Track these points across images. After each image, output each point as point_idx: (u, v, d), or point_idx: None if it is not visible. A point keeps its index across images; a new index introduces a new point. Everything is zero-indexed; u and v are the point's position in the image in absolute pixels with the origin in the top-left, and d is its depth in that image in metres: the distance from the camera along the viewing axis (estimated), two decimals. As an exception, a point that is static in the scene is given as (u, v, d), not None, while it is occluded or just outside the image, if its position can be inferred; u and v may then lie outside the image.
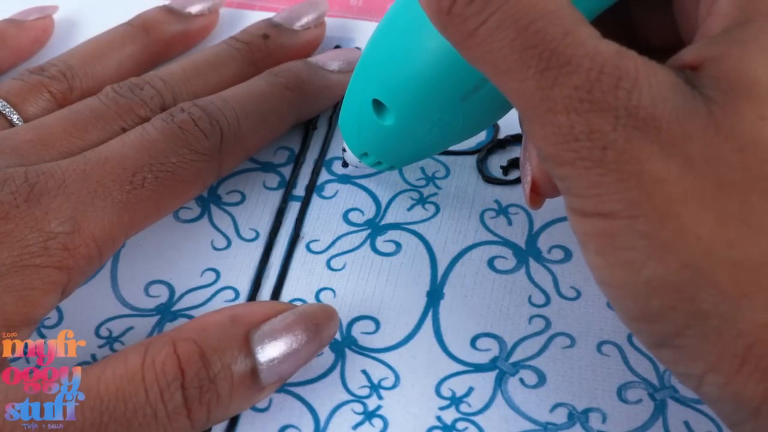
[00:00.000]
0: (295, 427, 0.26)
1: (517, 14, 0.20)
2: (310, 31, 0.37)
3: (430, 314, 0.29)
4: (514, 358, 0.28)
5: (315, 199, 0.32)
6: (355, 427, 0.26)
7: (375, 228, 0.31)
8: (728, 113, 0.20)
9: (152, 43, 0.36)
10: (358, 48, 0.37)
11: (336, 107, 0.35)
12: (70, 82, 0.33)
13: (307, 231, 0.31)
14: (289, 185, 0.33)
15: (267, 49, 0.36)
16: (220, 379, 0.24)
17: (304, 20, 0.37)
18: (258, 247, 0.31)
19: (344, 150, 0.30)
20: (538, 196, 0.26)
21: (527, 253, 0.30)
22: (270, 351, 0.25)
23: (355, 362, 0.28)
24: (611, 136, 0.20)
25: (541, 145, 0.21)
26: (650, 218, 0.20)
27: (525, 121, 0.21)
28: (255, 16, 0.39)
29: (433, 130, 0.27)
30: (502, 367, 0.28)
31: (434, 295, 0.29)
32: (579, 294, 0.29)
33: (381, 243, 0.31)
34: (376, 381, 0.27)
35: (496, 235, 0.31)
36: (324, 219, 0.32)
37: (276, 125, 0.33)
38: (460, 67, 0.24)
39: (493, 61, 0.21)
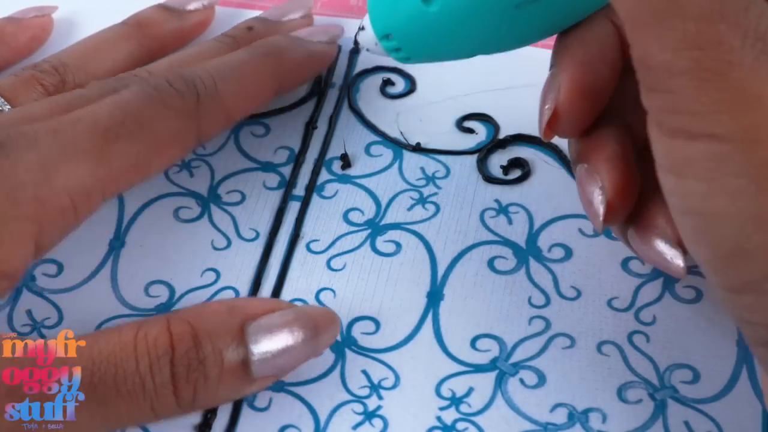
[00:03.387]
0: (295, 427, 0.26)
1: None
2: (297, 22, 0.37)
3: (430, 315, 0.29)
4: (514, 359, 0.28)
5: (315, 199, 0.32)
6: (355, 427, 0.26)
7: (375, 228, 0.31)
8: None
9: (147, 41, 0.36)
10: (341, 26, 0.37)
11: (336, 105, 0.35)
12: (63, 76, 0.33)
13: (307, 231, 0.31)
14: (289, 185, 0.33)
15: (251, 39, 0.35)
16: (209, 362, 0.25)
17: (290, 17, 0.37)
18: (258, 247, 0.31)
19: (362, 28, 0.28)
20: (551, 130, 0.26)
21: (527, 252, 0.30)
22: (264, 345, 0.25)
23: (355, 362, 0.28)
24: (739, 53, 0.19)
25: (655, 50, 0.20)
26: None
27: (637, 25, 0.20)
28: (254, 15, 0.39)
29: (477, 30, 0.25)
30: (502, 368, 0.28)
31: (434, 296, 0.29)
32: (579, 294, 0.29)
33: (381, 243, 0.31)
34: (376, 381, 0.27)
35: (496, 234, 0.31)
36: (324, 219, 0.32)
37: (256, 90, 0.32)
38: None
39: None
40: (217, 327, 0.25)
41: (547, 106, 0.26)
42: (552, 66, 0.26)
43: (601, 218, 0.25)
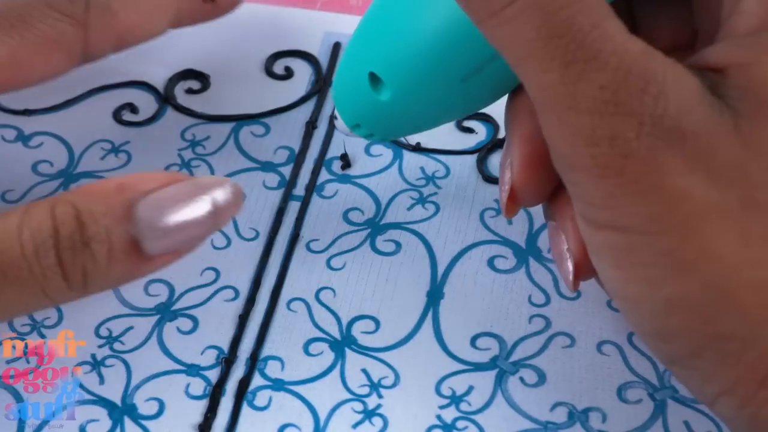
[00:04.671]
0: (295, 426, 0.26)
1: None
2: None
3: (430, 314, 0.29)
4: (514, 358, 0.28)
5: (315, 199, 0.32)
6: (355, 425, 0.26)
7: (375, 227, 0.31)
8: (756, 129, 0.19)
9: None
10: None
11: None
12: None
13: (307, 230, 0.31)
14: (289, 185, 0.33)
15: None
16: (95, 242, 0.23)
17: None
18: (258, 247, 0.31)
19: (335, 117, 0.28)
20: (514, 205, 0.25)
21: (527, 252, 0.30)
22: (155, 221, 0.23)
23: (355, 361, 0.28)
24: (633, 145, 0.19)
25: (556, 143, 0.20)
26: (671, 235, 0.19)
27: (542, 114, 0.20)
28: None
29: (430, 108, 0.26)
30: (502, 366, 0.28)
31: (434, 295, 0.29)
32: (579, 293, 0.29)
33: (381, 242, 0.31)
34: (376, 380, 0.27)
35: (496, 234, 0.31)
36: (324, 218, 0.32)
37: (153, 12, 0.31)
38: (463, 46, 0.23)
39: (516, 46, 0.19)
40: (102, 206, 0.23)
41: (504, 188, 0.24)
42: (506, 134, 0.25)
43: (570, 278, 0.24)
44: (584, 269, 0.23)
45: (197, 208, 0.23)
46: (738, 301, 0.19)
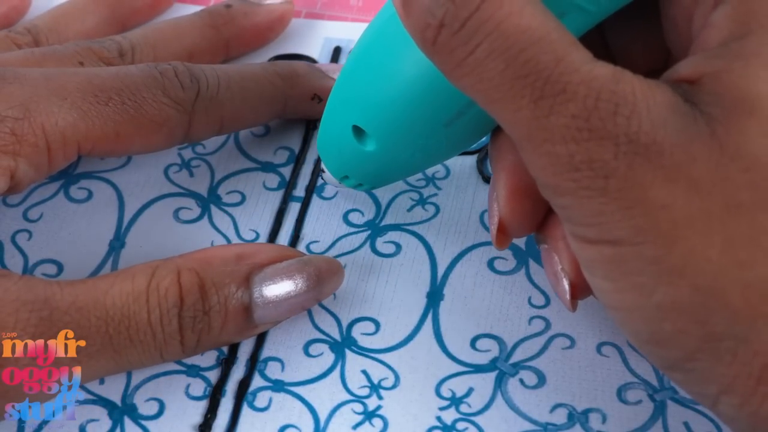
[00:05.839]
0: (295, 427, 0.26)
1: (505, 44, 0.19)
2: (275, 5, 0.37)
3: (429, 315, 0.29)
4: (514, 359, 0.28)
5: (315, 200, 0.32)
6: (355, 426, 0.26)
7: (375, 229, 0.31)
8: (732, 132, 0.19)
9: (119, 8, 0.37)
10: None
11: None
12: (36, 37, 0.34)
13: (307, 232, 0.31)
14: (289, 186, 0.33)
15: (229, 14, 0.36)
16: (214, 312, 0.26)
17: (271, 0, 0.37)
18: (258, 248, 0.31)
19: (323, 171, 0.29)
20: (505, 237, 0.25)
21: (527, 253, 0.30)
22: (267, 293, 0.26)
23: (355, 363, 0.28)
24: (612, 165, 0.19)
25: (539, 174, 0.21)
26: (658, 244, 0.19)
27: (521, 150, 0.21)
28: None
29: (416, 155, 0.26)
30: (502, 368, 0.28)
31: (434, 296, 0.29)
32: (579, 295, 0.29)
33: (381, 244, 0.31)
34: (376, 381, 0.27)
35: (495, 236, 0.31)
36: (324, 220, 0.32)
37: (258, 106, 0.32)
38: (443, 93, 0.24)
39: (485, 91, 0.20)
40: (223, 277, 0.26)
41: (493, 221, 0.25)
42: (491, 169, 0.26)
43: (568, 297, 0.25)
44: (580, 287, 0.24)
45: (304, 285, 0.26)
46: (728, 302, 0.19)
